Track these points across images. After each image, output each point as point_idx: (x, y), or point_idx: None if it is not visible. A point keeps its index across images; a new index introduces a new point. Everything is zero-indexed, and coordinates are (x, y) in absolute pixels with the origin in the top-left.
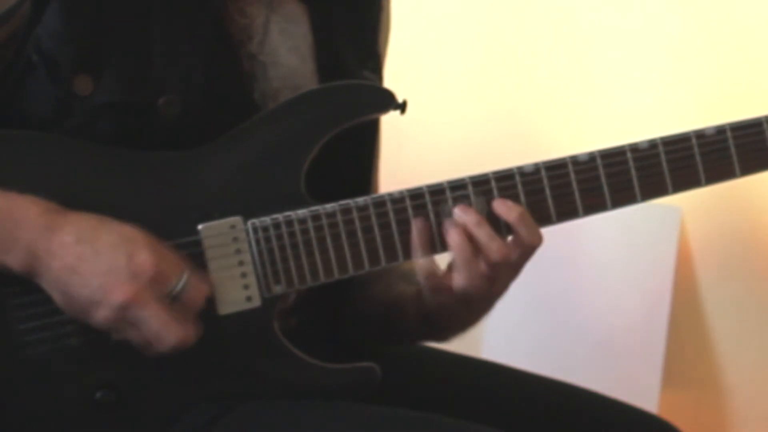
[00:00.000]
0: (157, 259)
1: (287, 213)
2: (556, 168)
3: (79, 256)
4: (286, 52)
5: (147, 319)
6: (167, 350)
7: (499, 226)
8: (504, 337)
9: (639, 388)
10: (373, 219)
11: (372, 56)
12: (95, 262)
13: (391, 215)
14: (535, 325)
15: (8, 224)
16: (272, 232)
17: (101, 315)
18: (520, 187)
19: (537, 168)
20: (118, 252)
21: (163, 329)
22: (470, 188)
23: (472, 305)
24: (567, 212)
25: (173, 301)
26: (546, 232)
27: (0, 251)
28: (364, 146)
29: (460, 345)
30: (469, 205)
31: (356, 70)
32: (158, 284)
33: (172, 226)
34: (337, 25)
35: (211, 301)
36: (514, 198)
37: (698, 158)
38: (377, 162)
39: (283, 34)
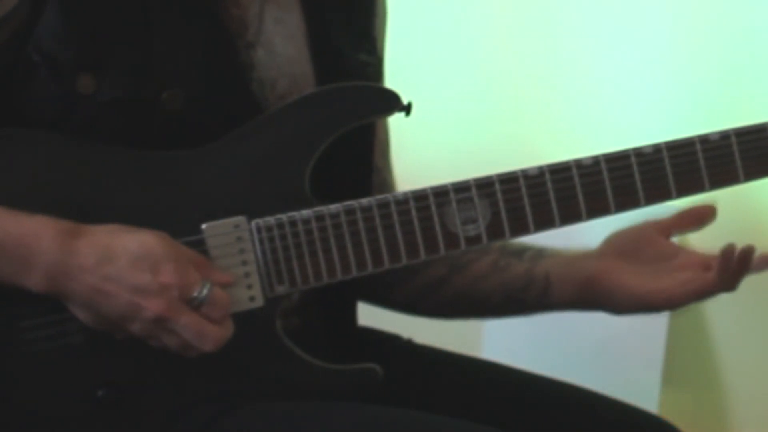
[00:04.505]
0: (180, 267)
1: (291, 213)
2: (561, 171)
3: (103, 278)
4: (282, 40)
5: (183, 327)
6: (209, 351)
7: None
8: (504, 337)
9: (639, 388)
10: (377, 220)
11: (367, 39)
12: (120, 281)
13: (395, 217)
14: (535, 325)
15: (22, 251)
16: (276, 232)
17: (136, 328)
18: (524, 190)
19: (541, 171)
20: (141, 268)
21: (201, 333)
22: (474, 191)
23: None
24: (570, 216)
25: (201, 304)
26: (548, 231)
27: (18, 277)
28: (366, 147)
29: (460, 345)
30: (473, 207)
31: (351, 54)
32: (186, 292)
33: (175, 225)
34: (330, 10)
35: None
36: (518, 201)
37: (702, 163)
38: (390, 159)
39: (278, 22)
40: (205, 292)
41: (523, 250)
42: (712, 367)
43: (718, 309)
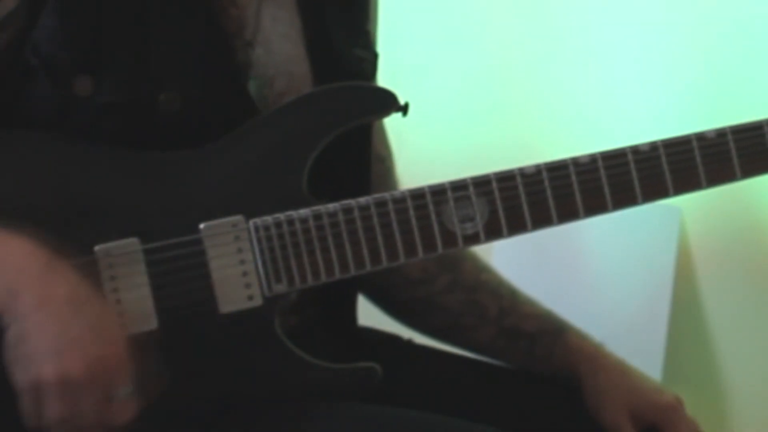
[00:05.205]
0: (113, 360)
1: (289, 212)
2: (558, 169)
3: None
4: (279, 38)
5: (84, 413)
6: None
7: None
8: None
9: None
10: (375, 219)
11: (362, 34)
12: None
13: (393, 215)
14: None
15: None
16: (274, 231)
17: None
18: (521, 188)
19: (538, 169)
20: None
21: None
22: (471, 189)
23: None
24: (568, 213)
25: (111, 401)
26: (546, 232)
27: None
28: (364, 146)
29: None
30: (471, 205)
31: (348, 50)
32: (105, 386)
33: (174, 224)
34: (326, 6)
35: (212, 300)
36: (515, 199)
37: (699, 161)
38: (391, 147)
39: (275, 20)
40: (123, 393)
41: (518, 335)
42: (712, 366)
43: (718, 309)
